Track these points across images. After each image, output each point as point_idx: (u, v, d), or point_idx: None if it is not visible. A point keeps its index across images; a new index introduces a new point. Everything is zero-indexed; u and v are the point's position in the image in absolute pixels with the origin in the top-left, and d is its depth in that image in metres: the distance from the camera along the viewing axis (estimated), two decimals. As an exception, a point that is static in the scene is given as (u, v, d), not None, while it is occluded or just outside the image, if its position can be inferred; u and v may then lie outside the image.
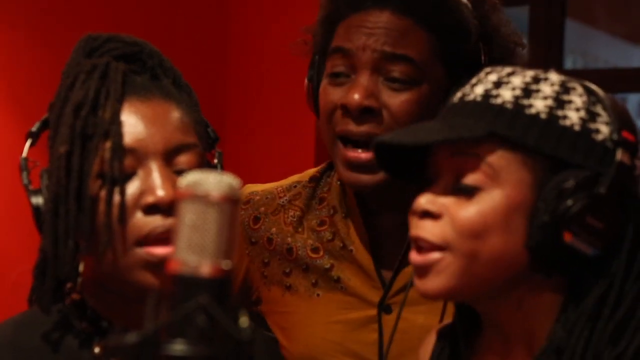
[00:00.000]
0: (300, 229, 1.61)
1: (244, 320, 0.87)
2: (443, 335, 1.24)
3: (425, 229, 1.11)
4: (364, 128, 1.44)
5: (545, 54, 3.24)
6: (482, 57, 1.48)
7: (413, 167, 1.17)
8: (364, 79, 1.44)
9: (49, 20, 2.92)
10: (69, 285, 1.25)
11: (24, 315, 1.27)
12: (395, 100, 1.44)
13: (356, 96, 1.43)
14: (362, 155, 1.45)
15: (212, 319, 0.85)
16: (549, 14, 3.29)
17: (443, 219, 1.10)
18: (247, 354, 0.85)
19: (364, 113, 1.44)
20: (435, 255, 1.10)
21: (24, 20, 2.89)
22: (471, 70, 1.45)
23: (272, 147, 3.27)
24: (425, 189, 1.13)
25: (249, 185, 1.69)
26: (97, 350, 1.23)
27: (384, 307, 1.53)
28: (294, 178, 1.68)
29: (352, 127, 1.45)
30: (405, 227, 1.51)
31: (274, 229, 1.61)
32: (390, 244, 1.55)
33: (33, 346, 1.22)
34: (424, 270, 1.11)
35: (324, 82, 1.50)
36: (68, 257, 1.17)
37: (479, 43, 1.48)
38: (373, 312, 1.53)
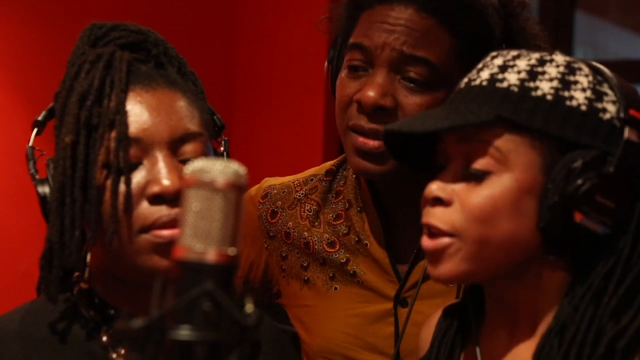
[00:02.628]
0: (316, 223, 1.60)
1: (249, 306, 0.87)
2: (449, 314, 1.25)
3: (435, 216, 1.12)
4: (375, 125, 1.43)
5: (555, 46, 3.23)
6: None
7: (424, 155, 1.18)
8: (380, 76, 1.43)
9: (55, 9, 2.93)
10: (76, 274, 1.26)
11: (31, 304, 1.27)
12: (410, 101, 1.42)
13: (371, 93, 1.42)
14: (370, 142, 1.44)
15: (218, 304, 0.85)
16: (559, 5, 3.28)
17: (453, 205, 1.11)
18: (252, 339, 0.86)
19: (378, 111, 1.43)
20: (445, 240, 1.10)
21: (31, 10, 2.89)
22: None
23: (280, 135, 3.26)
24: (436, 175, 1.14)
25: (267, 179, 1.69)
26: (104, 338, 1.23)
27: (400, 301, 1.53)
28: (311, 171, 1.67)
29: (364, 123, 1.44)
30: (419, 220, 1.52)
31: (290, 223, 1.61)
32: (405, 237, 1.55)
33: (41, 335, 1.22)
34: (435, 255, 1.12)
35: (343, 72, 1.49)
36: (74, 246, 1.18)
37: (502, 45, 1.45)
38: (389, 305, 1.53)
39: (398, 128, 1.15)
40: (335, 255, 1.58)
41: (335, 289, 1.57)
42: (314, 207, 1.61)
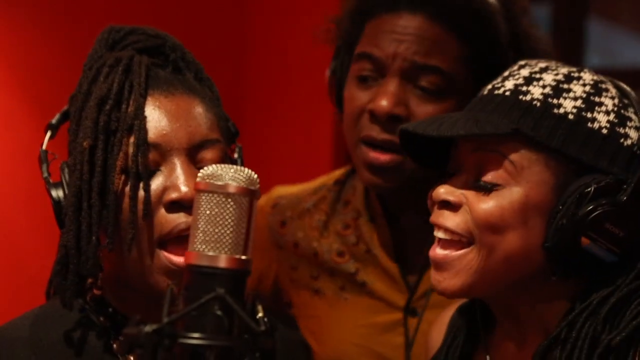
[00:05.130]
0: (325, 233, 1.61)
1: (260, 312, 0.87)
2: (461, 315, 1.25)
3: (447, 218, 1.12)
4: (388, 135, 1.43)
5: (568, 52, 3.22)
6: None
7: (437, 153, 1.18)
8: (392, 85, 1.43)
9: (66, 13, 2.93)
10: (89, 280, 1.24)
11: (40, 310, 1.26)
12: (423, 109, 1.43)
13: (384, 102, 1.42)
14: (382, 157, 1.44)
15: (229, 310, 0.85)
16: (572, 11, 3.27)
17: (462, 209, 1.10)
18: (264, 345, 0.86)
19: (391, 120, 1.43)
20: (458, 253, 1.10)
21: (37, 12, 2.90)
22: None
23: (290, 142, 3.27)
24: (446, 177, 1.14)
25: (278, 187, 1.69)
26: (115, 345, 1.22)
27: (410, 311, 1.53)
28: (320, 180, 1.68)
29: (376, 134, 1.44)
30: (428, 228, 1.52)
31: (300, 234, 1.61)
32: (414, 246, 1.55)
33: (51, 340, 1.21)
34: (443, 268, 1.11)
35: (351, 84, 1.49)
36: (91, 252, 1.16)
37: (508, 51, 1.46)
38: (399, 315, 1.54)
39: (413, 129, 1.16)
40: (345, 265, 1.58)
41: (345, 299, 1.58)
42: (322, 217, 1.62)
